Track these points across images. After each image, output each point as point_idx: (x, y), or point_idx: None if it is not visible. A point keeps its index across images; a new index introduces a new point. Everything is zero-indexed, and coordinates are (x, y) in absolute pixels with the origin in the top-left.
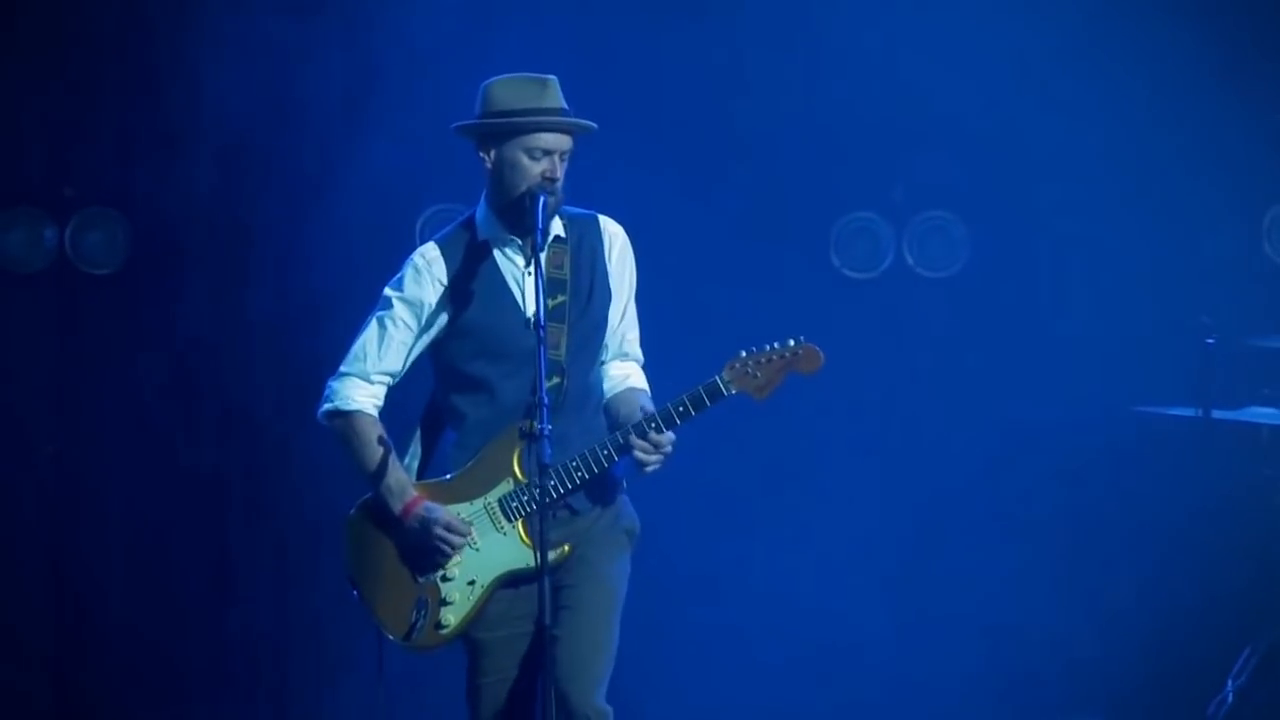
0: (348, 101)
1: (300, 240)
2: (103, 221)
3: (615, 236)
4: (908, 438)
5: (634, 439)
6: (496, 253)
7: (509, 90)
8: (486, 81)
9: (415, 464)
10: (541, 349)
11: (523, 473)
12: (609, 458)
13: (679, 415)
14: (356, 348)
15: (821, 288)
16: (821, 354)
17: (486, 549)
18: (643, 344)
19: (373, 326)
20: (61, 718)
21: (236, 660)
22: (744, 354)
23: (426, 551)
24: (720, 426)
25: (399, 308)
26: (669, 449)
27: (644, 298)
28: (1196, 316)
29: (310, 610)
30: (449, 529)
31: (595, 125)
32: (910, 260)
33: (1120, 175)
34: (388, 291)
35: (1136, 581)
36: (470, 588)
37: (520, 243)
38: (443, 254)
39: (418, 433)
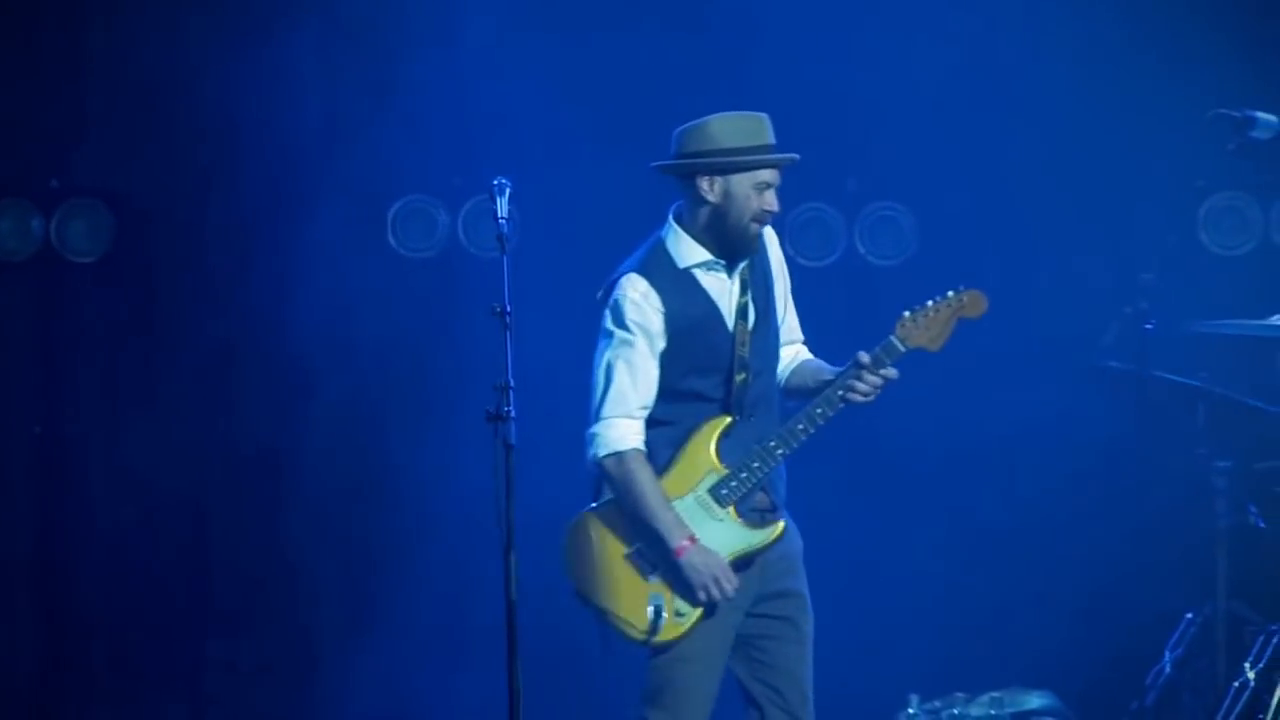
0: (328, 93)
1: (282, 231)
2: (87, 211)
3: (770, 234)
4: (860, 423)
5: (864, 374)
6: (699, 274)
7: (735, 127)
8: (705, 119)
9: None
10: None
11: (722, 462)
12: (823, 415)
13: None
14: (612, 392)
15: None
16: (984, 296)
17: (707, 538)
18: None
19: (620, 366)
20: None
21: (218, 643)
22: (908, 313)
23: (690, 586)
24: None
25: (639, 342)
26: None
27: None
28: (1136, 302)
29: (290, 574)
30: (725, 578)
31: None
32: (861, 249)
33: (1062, 167)
34: (614, 329)
35: (1076, 555)
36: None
37: (724, 264)
38: (652, 284)
39: None
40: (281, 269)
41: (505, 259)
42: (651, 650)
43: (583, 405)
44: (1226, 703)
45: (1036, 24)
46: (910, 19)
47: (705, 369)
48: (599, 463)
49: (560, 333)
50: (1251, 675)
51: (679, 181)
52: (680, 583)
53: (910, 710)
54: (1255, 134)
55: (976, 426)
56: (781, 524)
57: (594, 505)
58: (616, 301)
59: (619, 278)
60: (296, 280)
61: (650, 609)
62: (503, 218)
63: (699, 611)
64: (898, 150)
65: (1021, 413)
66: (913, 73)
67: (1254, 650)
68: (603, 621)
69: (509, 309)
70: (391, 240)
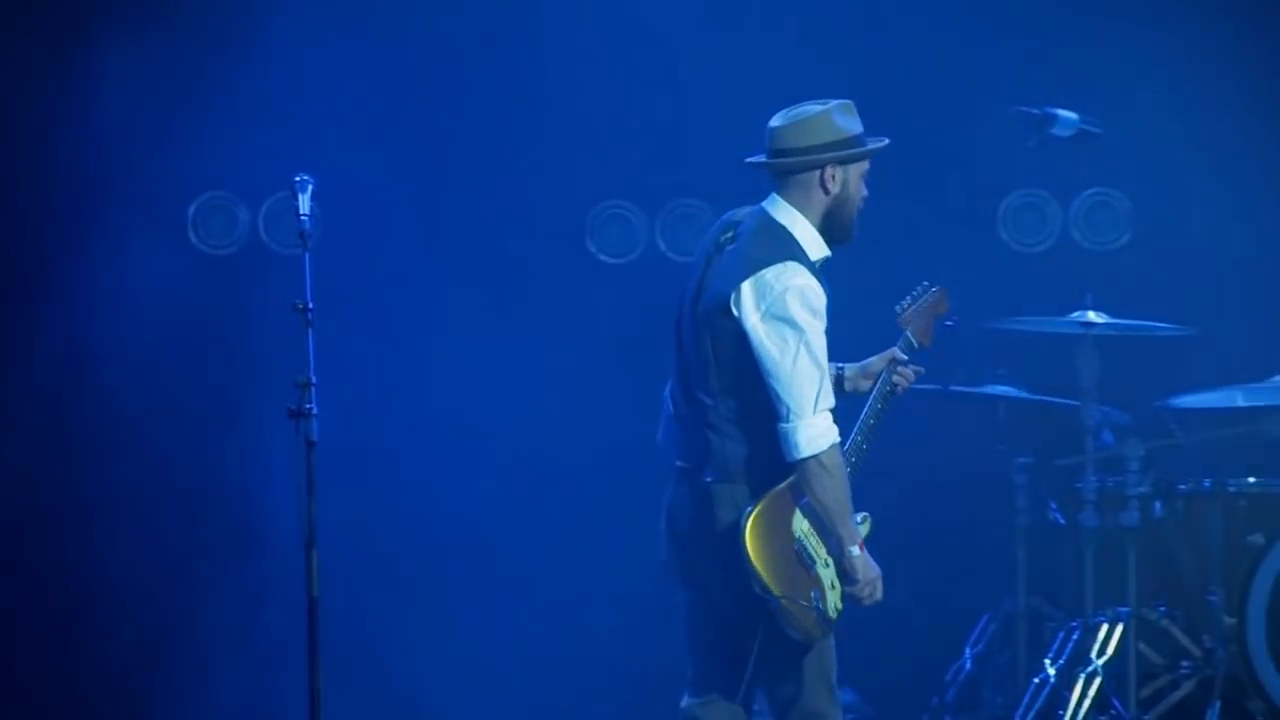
0: (127, 89)
1: (82, 229)
2: None
3: None
4: (656, 418)
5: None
6: (817, 267)
7: (848, 115)
8: (817, 108)
9: None
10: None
11: None
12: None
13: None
14: (821, 383)
15: (577, 273)
16: (947, 293)
17: None
18: (413, 332)
19: (817, 358)
20: None
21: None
22: (901, 311)
23: (856, 584)
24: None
25: (820, 332)
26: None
27: (412, 289)
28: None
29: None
30: (880, 579)
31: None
32: (663, 246)
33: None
34: (798, 317)
35: (878, 552)
36: (836, 573)
37: (827, 258)
38: (809, 273)
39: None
40: (81, 266)
41: (307, 255)
42: (796, 648)
43: (385, 403)
44: (1027, 698)
45: (837, 22)
46: (711, 16)
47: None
48: (818, 458)
49: (362, 330)
50: (1051, 671)
51: (788, 175)
52: (842, 579)
53: (755, 707)
54: (1055, 131)
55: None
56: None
57: (759, 501)
58: (798, 290)
59: (766, 264)
60: (96, 278)
61: (816, 601)
62: (304, 214)
63: (838, 612)
64: (700, 146)
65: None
66: (714, 69)
67: (1054, 646)
68: (778, 613)
69: (310, 305)
70: (192, 237)
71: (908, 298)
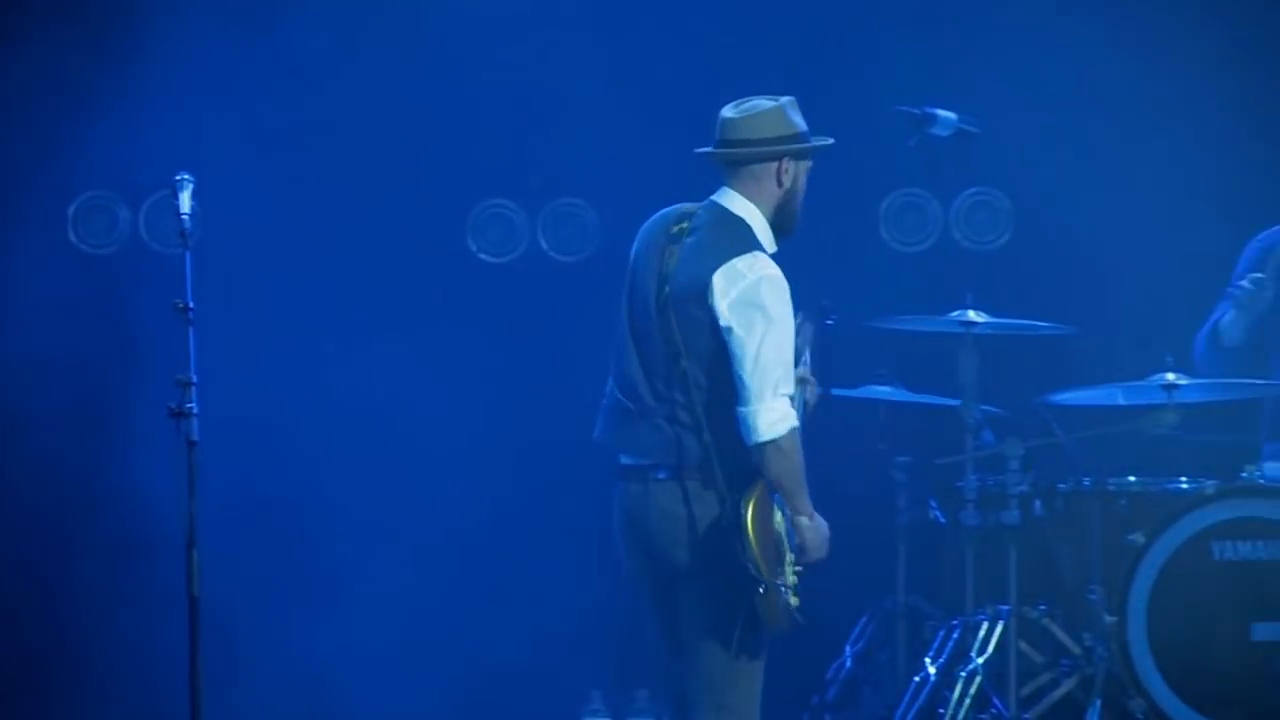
0: (6, 87)
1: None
2: None
3: None
4: (545, 415)
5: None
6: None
7: (797, 114)
8: (768, 102)
9: None
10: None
11: None
12: None
13: None
14: (786, 370)
15: (459, 272)
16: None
17: None
18: (294, 331)
19: (783, 346)
20: None
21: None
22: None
23: (809, 549)
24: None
25: (790, 322)
26: None
27: (293, 288)
28: (817, 299)
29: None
30: (825, 545)
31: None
32: (544, 245)
33: None
34: (769, 305)
35: None
36: (797, 577)
37: (776, 249)
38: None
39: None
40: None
41: (187, 255)
42: (762, 640)
43: (266, 401)
44: (907, 697)
45: (718, 23)
46: (592, 15)
47: None
48: (777, 442)
49: (243, 329)
50: (932, 669)
51: (742, 166)
52: (785, 546)
53: (593, 706)
54: (935, 131)
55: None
56: None
57: (754, 487)
58: (770, 280)
59: (735, 254)
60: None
61: (786, 596)
62: (185, 213)
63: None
64: (581, 145)
65: None
66: (596, 67)
67: (935, 644)
68: (762, 600)
69: (191, 305)
70: (72, 236)
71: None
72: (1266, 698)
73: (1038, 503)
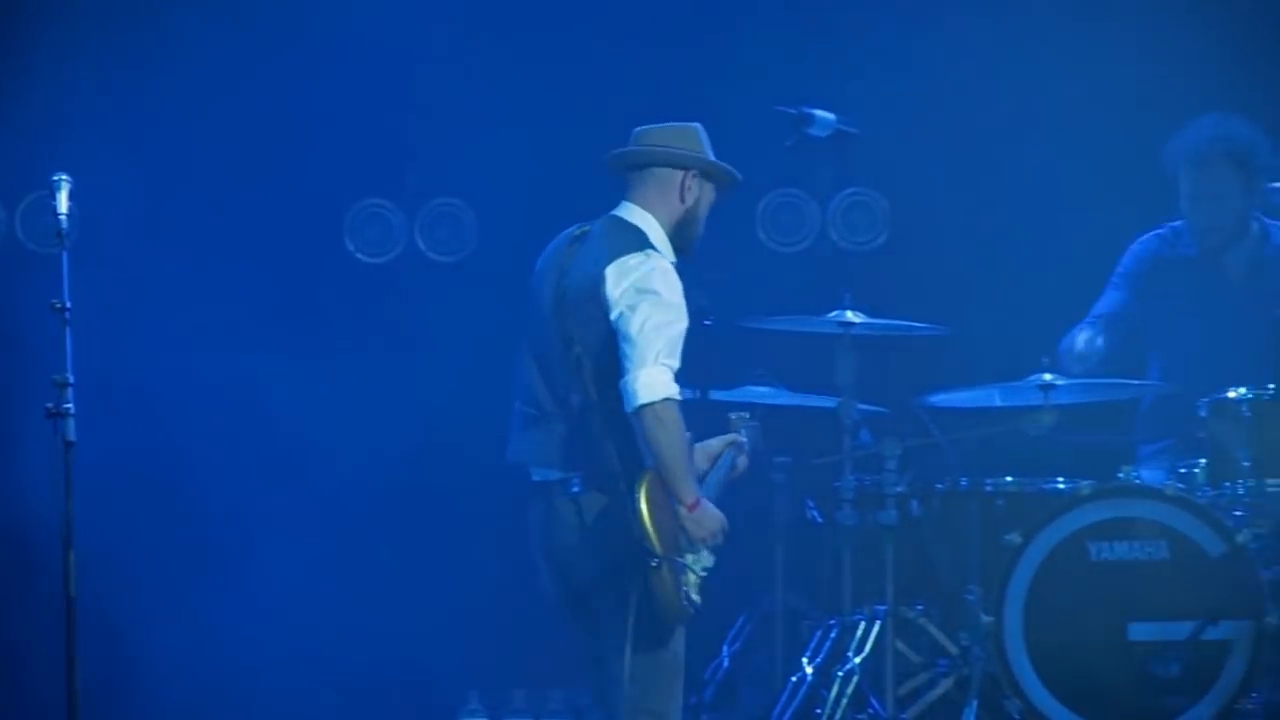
0: None
1: None
2: None
3: None
4: (421, 416)
5: None
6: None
7: (708, 145)
8: (683, 124)
9: None
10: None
11: None
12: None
13: None
14: (665, 341)
15: (336, 271)
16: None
17: None
18: (172, 330)
19: (671, 320)
20: None
21: None
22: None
23: (700, 539)
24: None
25: (679, 308)
26: None
27: (170, 287)
28: (694, 300)
29: None
30: (724, 527)
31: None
32: (422, 245)
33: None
34: (659, 289)
35: None
36: (703, 573)
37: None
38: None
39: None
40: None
41: (64, 254)
42: (667, 638)
43: (143, 402)
44: (784, 697)
45: (592, 23)
46: (468, 17)
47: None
48: (652, 406)
49: (121, 329)
50: (809, 669)
51: (648, 174)
52: (679, 533)
53: (471, 706)
54: (813, 131)
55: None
56: None
57: (647, 470)
58: (663, 270)
59: (626, 252)
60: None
61: (684, 586)
62: (62, 213)
63: (698, 598)
64: (457, 146)
65: None
66: (473, 68)
67: (812, 644)
68: (655, 578)
69: (68, 305)
70: None
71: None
72: (1143, 697)
73: (915, 503)
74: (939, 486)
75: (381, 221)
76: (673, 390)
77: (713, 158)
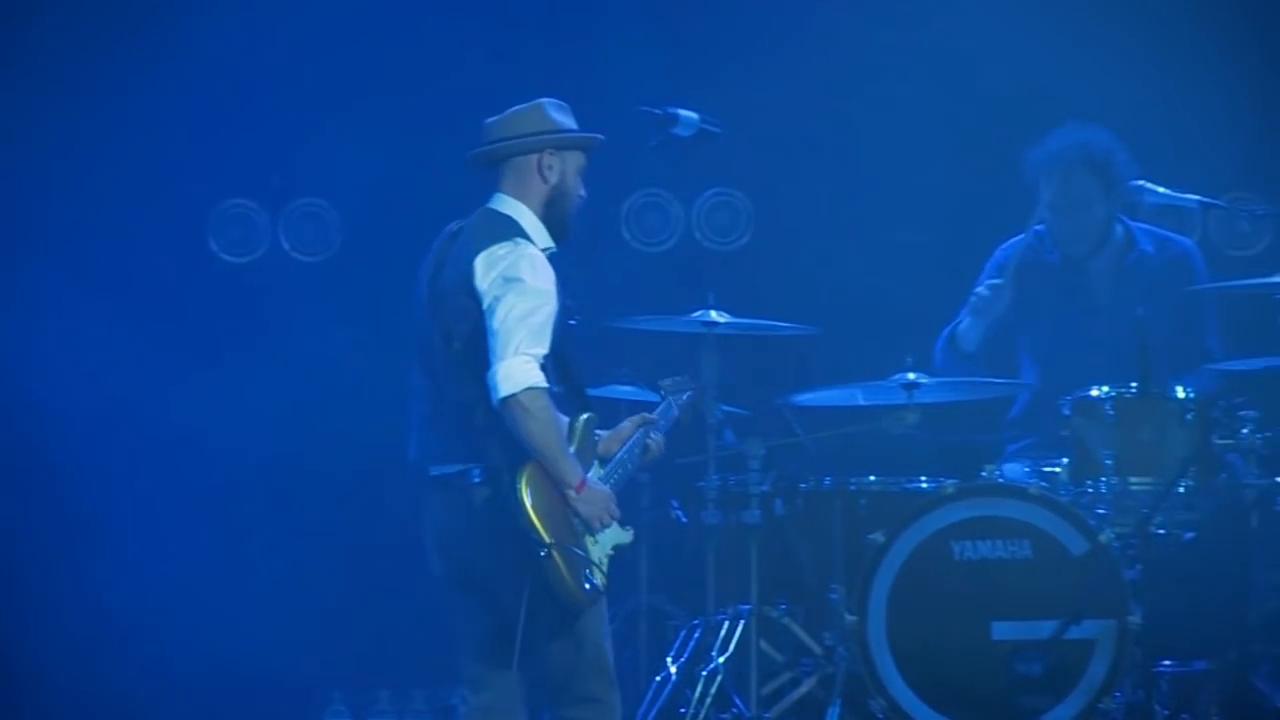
0: None
1: None
2: None
3: None
4: (283, 418)
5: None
6: (548, 255)
7: (559, 113)
8: (530, 103)
9: None
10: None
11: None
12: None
13: None
14: (528, 331)
15: (200, 271)
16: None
17: None
18: (34, 331)
19: (535, 310)
20: None
21: None
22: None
23: (587, 520)
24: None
25: (544, 294)
26: None
27: (32, 289)
28: (559, 299)
29: None
30: (615, 505)
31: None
32: (286, 245)
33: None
34: (526, 278)
35: None
36: (606, 554)
37: (553, 250)
38: (543, 253)
39: None
40: None
41: None
42: (575, 623)
43: (8, 403)
44: (649, 696)
45: (459, 20)
46: (325, 13)
47: (556, 354)
48: (516, 397)
49: None
50: (673, 669)
51: (508, 165)
52: (573, 518)
53: (335, 706)
54: (677, 131)
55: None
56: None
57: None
58: (531, 258)
59: (496, 242)
60: None
61: (585, 571)
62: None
63: (604, 584)
64: (321, 146)
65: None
66: (334, 67)
67: (676, 644)
68: (548, 567)
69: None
70: None
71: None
72: (1006, 697)
73: (779, 502)
74: (803, 486)
75: (245, 221)
76: (535, 379)
77: (563, 127)
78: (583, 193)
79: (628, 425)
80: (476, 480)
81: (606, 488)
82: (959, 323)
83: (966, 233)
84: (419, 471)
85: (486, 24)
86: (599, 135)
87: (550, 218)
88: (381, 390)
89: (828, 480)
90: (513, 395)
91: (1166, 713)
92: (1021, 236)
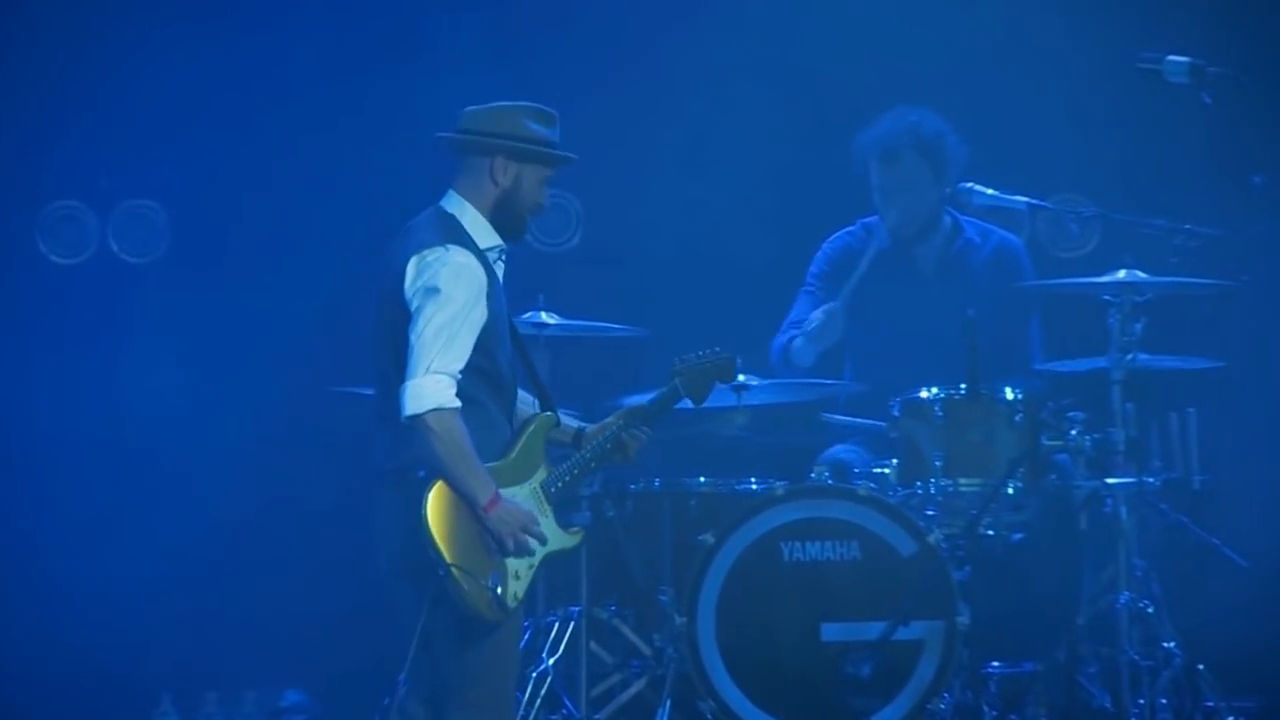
0: None
1: None
2: None
3: None
4: (114, 420)
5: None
6: (490, 256)
7: (538, 118)
8: (508, 103)
9: None
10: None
11: (546, 461)
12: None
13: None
14: (440, 348)
15: (28, 273)
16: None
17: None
18: None
19: (449, 324)
20: None
21: None
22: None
23: (500, 538)
24: None
25: (465, 306)
26: None
27: None
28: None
29: None
30: (531, 522)
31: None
32: (115, 247)
33: (324, 165)
34: (443, 288)
35: (336, 555)
36: (530, 565)
37: (502, 247)
38: (472, 256)
39: None
40: None
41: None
42: (478, 631)
43: None
44: (528, 691)
45: (282, 16)
46: (165, 10)
47: (499, 347)
48: (422, 417)
49: None
50: (549, 662)
51: (466, 159)
52: (486, 534)
53: (163, 708)
54: None
55: (241, 431)
56: (581, 532)
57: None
58: (455, 266)
59: (428, 245)
60: None
61: (494, 585)
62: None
63: (523, 596)
64: (150, 147)
65: (281, 410)
66: (167, 65)
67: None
68: (448, 583)
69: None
70: None
71: (694, 354)
72: (835, 698)
73: (608, 504)
74: (633, 487)
75: (74, 223)
76: (443, 399)
77: (528, 137)
78: (544, 201)
79: (612, 419)
80: (421, 476)
81: (521, 505)
82: (793, 338)
83: (799, 232)
84: (370, 468)
85: (319, 23)
86: (567, 156)
87: (499, 218)
88: (206, 392)
89: (658, 482)
90: (419, 415)
91: (995, 713)
92: (847, 229)
